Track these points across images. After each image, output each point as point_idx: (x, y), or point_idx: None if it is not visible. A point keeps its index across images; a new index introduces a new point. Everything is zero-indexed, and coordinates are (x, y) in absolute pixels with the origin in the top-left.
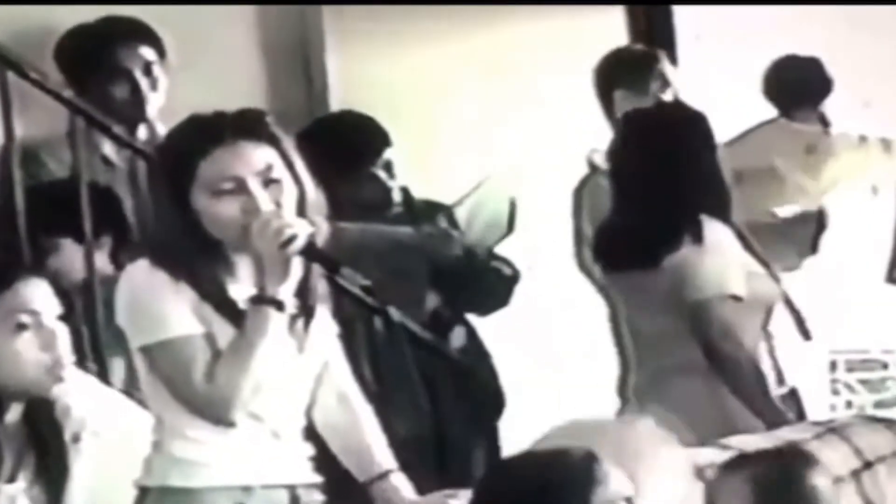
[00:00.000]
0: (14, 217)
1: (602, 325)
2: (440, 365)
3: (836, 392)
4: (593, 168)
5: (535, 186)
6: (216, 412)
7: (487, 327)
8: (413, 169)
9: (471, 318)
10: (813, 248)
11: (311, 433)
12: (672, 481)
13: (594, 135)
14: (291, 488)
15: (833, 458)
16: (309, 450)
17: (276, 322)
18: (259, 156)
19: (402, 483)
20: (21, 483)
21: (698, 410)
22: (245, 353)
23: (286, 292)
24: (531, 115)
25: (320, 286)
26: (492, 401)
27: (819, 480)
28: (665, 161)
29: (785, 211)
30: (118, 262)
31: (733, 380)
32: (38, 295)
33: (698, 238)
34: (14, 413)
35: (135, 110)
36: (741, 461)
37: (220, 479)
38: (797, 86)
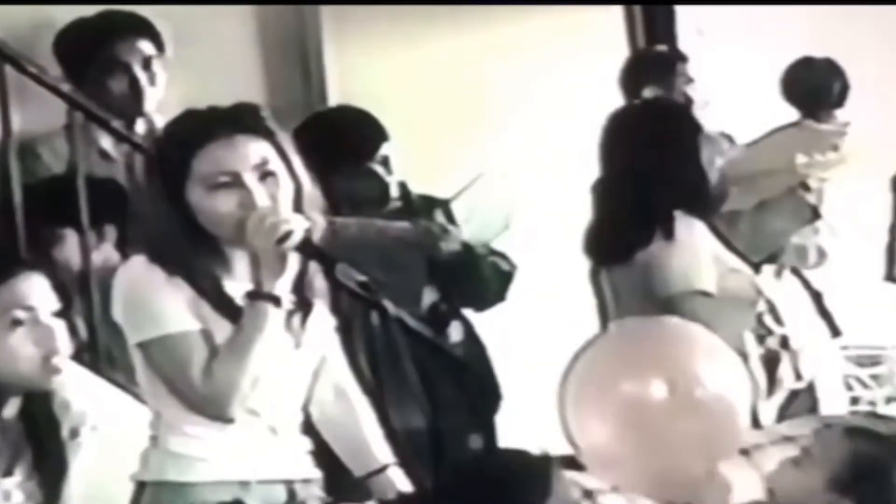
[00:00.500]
0: (12, 212)
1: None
2: (437, 359)
3: (848, 387)
4: None
5: (532, 183)
6: (214, 408)
7: (484, 322)
8: (410, 165)
9: (468, 312)
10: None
11: (308, 428)
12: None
13: (591, 132)
14: (289, 483)
15: None
16: (306, 444)
17: (273, 318)
18: (254, 149)
19: (399, 477)
20: (17, 477)
21: None
22: (242, 348)
23: (283, 288)
24: (529, 113)
25: (317, 281)
26: (489, 395)
27: None
28: (643, 157)
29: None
30: (125, 252)
31: None
32: (35, 290)
33: (669, 234)
34: (11, 408)
35: (133, 104)
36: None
37: (217, 473)
38: (817, 88)
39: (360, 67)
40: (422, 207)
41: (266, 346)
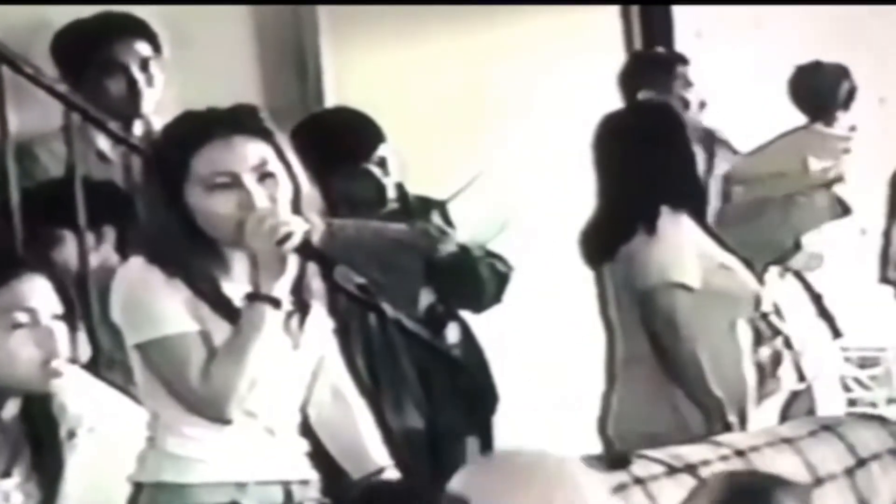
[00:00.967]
0: (10, 213)
1: (594, 319)
2: (434, 361)
3: (847, 388)
4: None
5: (530, 184)
6: (212, 409)
7: (481, 323)
8: (407, 166)
9: (465, 314)
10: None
11: (305, 429)
12: None
13: (589, 133)
14: (285, 484)
15: (827, 456)
16: (304, 446)
17: (272, 319)
18: (253, 150)
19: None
20: (16, 478)
21: (648, 400)
22: (240, 350)
23: (281, 289)
24: (526, 113)
25: (315, 283)
26: (486, 396)
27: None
28: (629, 155)
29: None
30: (124, 253)
31: (671, 369)
32: (36, 292)
33: (652, 228)
34: (10, 409)
35: (130, 105)
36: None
37: (214, 475)
38: (825, 92)
39: (358, 68)
40: (419, 208)
41: (264, 347)
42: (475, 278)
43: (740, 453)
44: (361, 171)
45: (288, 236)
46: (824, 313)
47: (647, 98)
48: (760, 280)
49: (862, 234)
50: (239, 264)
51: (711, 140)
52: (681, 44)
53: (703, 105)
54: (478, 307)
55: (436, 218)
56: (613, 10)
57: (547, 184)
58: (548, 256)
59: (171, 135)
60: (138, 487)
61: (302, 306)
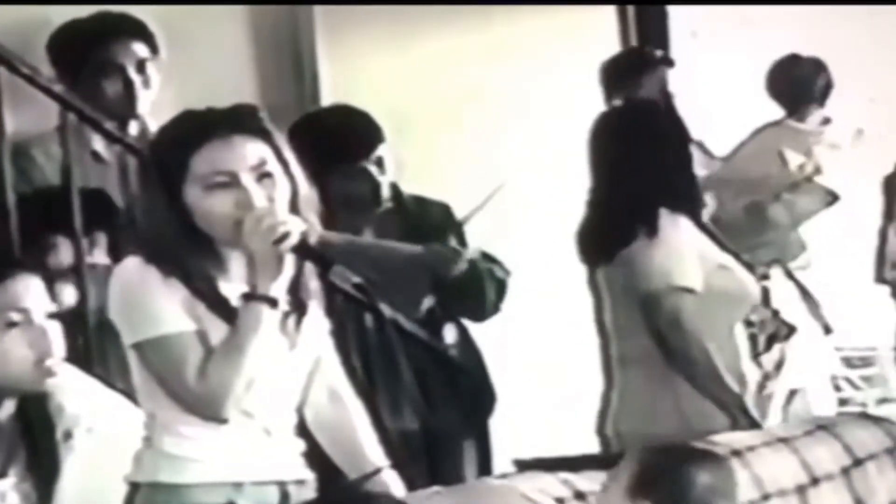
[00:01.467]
0: (5, 214)
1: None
2: (432, 361)
3: (837, 388)
4: None
5: (527, 184)
6: (209, 409)
7: (478, 324)
8: (403, 165)
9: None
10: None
11: (302, 430)
12: None
13: (586, 133)
14: (282, 484)
15: (823, 455)
16: (300, 446)
17: (269, 319)
18: (252, 150)
19: (392, 480)
20: (12, 479)
21: (647, 400)
22: (237, 350)
23: (278, 289)
24: (523, 113)
25: (312, 283)
26: (483, 397)
27: (702, 477)
28: (627, 155)
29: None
30: (117, 258)
31: (683, 370)
32: (30, 292)
33: (652, 231)
34: (6, 409)
35: (126, 106)
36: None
37: (210, 475)
38: (801, 85)
39: (354, 67)
40: (414, 208)
41: (261, 347)
42: (480, 293)
43: (737, 453)
44: (359, 169)
45: (285, 236)
46: (815, 311)
47: (643, 98)
48: (762, 279)
49: (855, 233)
50: (236, 264)
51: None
52: (676, 44)
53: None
54: (480, 318)
55: (452, 240)
56: (610, 10)
57: (545, 184)
58: (547, 256)
59: (170, 134)
60: (135, 487)
61: (299, 306)
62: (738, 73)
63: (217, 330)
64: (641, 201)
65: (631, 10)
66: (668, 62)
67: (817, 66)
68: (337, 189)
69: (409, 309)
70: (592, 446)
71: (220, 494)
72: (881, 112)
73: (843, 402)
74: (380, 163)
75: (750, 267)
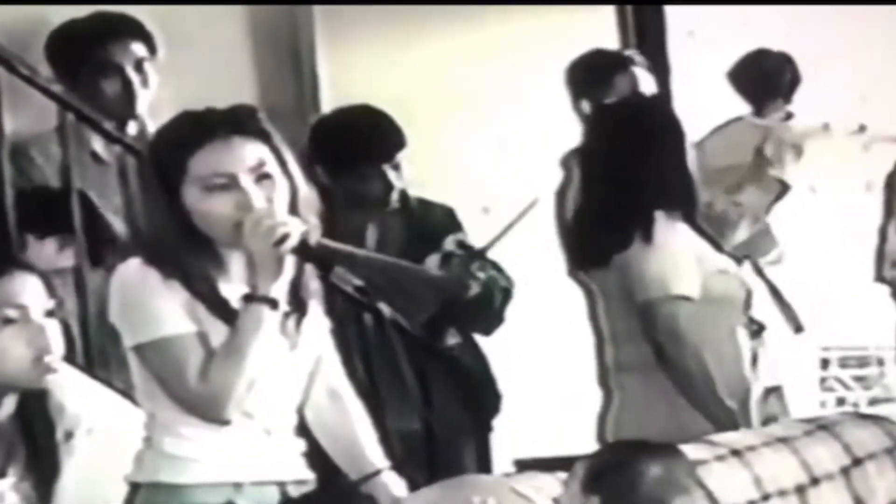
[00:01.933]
0: (3, 212)
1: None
2: (433, 361)
3: (828, 388)
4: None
5: (526, 183)
6: (210, 411)
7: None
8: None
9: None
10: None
11: (302, 430)
12: None
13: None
14: (282, 485)
15: (823, 455)
16: (300, 447)
17: (269, 320)
18: (251, 151)
19: (393, 481)
20: (11, 478)
21: (648, 408)
22: (238, 352)
23: (279, 290)
24: (522, 113)
25: (312, 283)
26: (488, 397)
27: (652, 471)
28: (623, 156)
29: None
30: (94, 259)
31: (679, 381)
32: (27, 289)
33: (648, 237)
34: (6, 409)
35: (125, 106)
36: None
37: (210, 475)
38: (768, 79)
39: (353, 67)
40: (418, 210)
41: (262, 348)
42: (490, 312)
43: (736, 453)
44: (379, 172)
45: (285, 237)
46: (786, 309)
47: (641, 96)
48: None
49: (853, 233)
50: (236, 265)
51: None
52: (673, 43)
53: None
54: (486, 333)
55: (474, 267)
56: (608, 10)
57: (544, 184)
58: (545, 257)
59: (169, 135)
60: (135, 487)
61: (299, 307)
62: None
63: (218, 331)
64: (637, 204)
65: (629, 10)
66: (637, 62)
67: (784, 60)
68: (351, 187)
69: (413, 321)
70: (593, 447)
71: (221, 495)
72: (870, 110)
73: (839, 401)
74: (398, 167)
75: (740, 264)
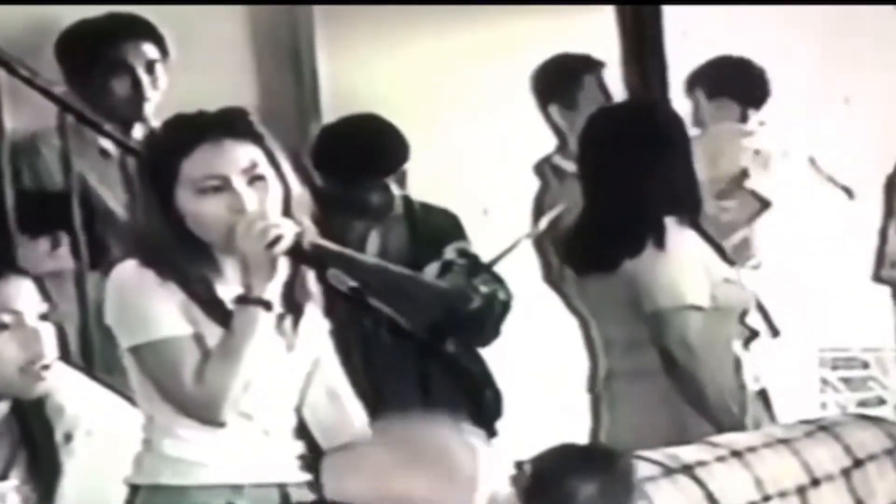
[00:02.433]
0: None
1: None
2: (433, 363)
3: (820, 390)
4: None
5: (525, 183)
6: (206, 413)
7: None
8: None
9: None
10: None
11: (301, 431)
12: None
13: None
14: (281, 486)
15: (823, 456)
16: (299, 448)
17: (264, 322)
18: (243, 153)
19: None
20: (13, 480)
21: (651, 416)
22: (233, 353)
23: (273, 292)
24: (522, 113)
25: (311, 284)
26: (487, 399)
27: (588, 486)
28: (630, 160)
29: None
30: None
31: (688, 390)
32: (21, 294)
33: (660, 243)
34: (1, 411)
35: (133, 107)
36: None
37: (210, 477)
38: (745, 88)
39: (353, 68)
40: (420, 214)
41: (257, 350)
42: (489, 325)
43: (737, 454)
44: (382, 185)
45: (278, 239)
46: (763, 312)
47: (645, 98)
48: None
49: (852, 233)
50: (231, 267)
51: None
52: (668, 44)
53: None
54: (483, 345)
55: (478, 281)
56: (607, 10)
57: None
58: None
59: (162, 138)
60: (134, 490)
61: (295, 308)
62: None
63: (213, 333)
64: (647, 209)
65: (628, 10)
66: (603, 64)
67: (756, 70)
68: (354, 197)
69: (413, 323)
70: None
71: (220, 496)
72: (854, 111)
73: (825, 404)
74: (402, 178)
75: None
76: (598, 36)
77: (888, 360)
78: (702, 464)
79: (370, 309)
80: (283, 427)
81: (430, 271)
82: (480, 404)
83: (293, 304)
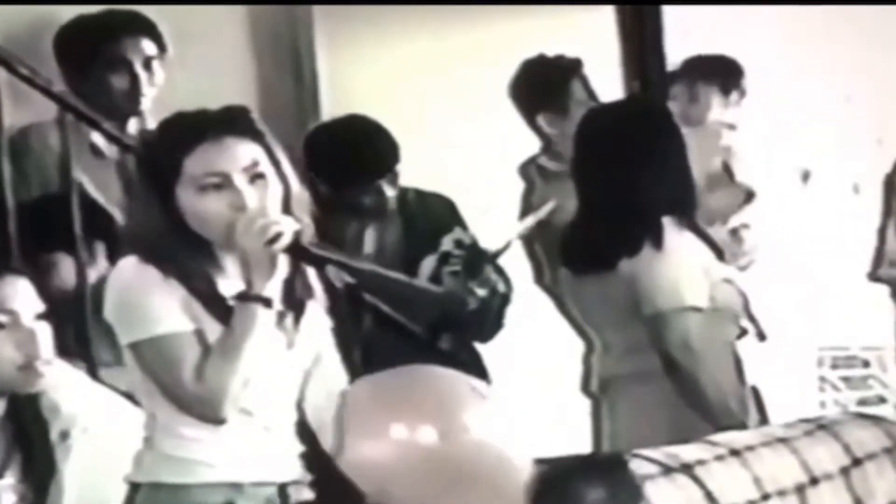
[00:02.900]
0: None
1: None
2: (431, 358)
3: (820, 389)
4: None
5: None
6: (206, 409)
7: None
8: (401, 164)
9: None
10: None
11: (302, 430)
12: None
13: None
14: (282, 486)
15: (822, 455)
16: (299, 446)
17: (264, 319)
18: (244, 151)
19: None
20: (9, 479)
21: (652, 419)
22: (233, 350)
23: (273, 289)
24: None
25: (312, 281)
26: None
27: (594, 493)
28: (626, 159)
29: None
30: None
31: (689, 392)
32: (18, 294)
33: (658, 244)
34: None
35: (130, 103)
36: None
37: (210, 475)
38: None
39: (352, 67)
40: (416, 207)
41: (257, 347)
42: (488, 323)
43: (736, 452)
44: (374, 186)
45: (278, 236)
46: (750, 314)
47: (640, 96)
48: None
49: (850, 233)
50: (232, 264)
51: None
52: (668, 44)
53: None
54: (484, 341)
55: (474, 284)
56: (607, 10)
57: None
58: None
59: (163, 135)
60: (134, 488)
61: (297, 305)
62: None
63: (214, 330)
64: (644, 209)
65: (628, 10)
66: (583, 65)
67: (734, 65)
68: (346, 198)
69: (410, 321)
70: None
71: (220, 495)
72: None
73: (824, 403)
74: (393, 180)
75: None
76: (597, 36)
77: (888, 359)
78: (700, 462)
79: (367, 305)
80: (284, 424)
81: (428, 265)
82: None
83: (294, 301)
